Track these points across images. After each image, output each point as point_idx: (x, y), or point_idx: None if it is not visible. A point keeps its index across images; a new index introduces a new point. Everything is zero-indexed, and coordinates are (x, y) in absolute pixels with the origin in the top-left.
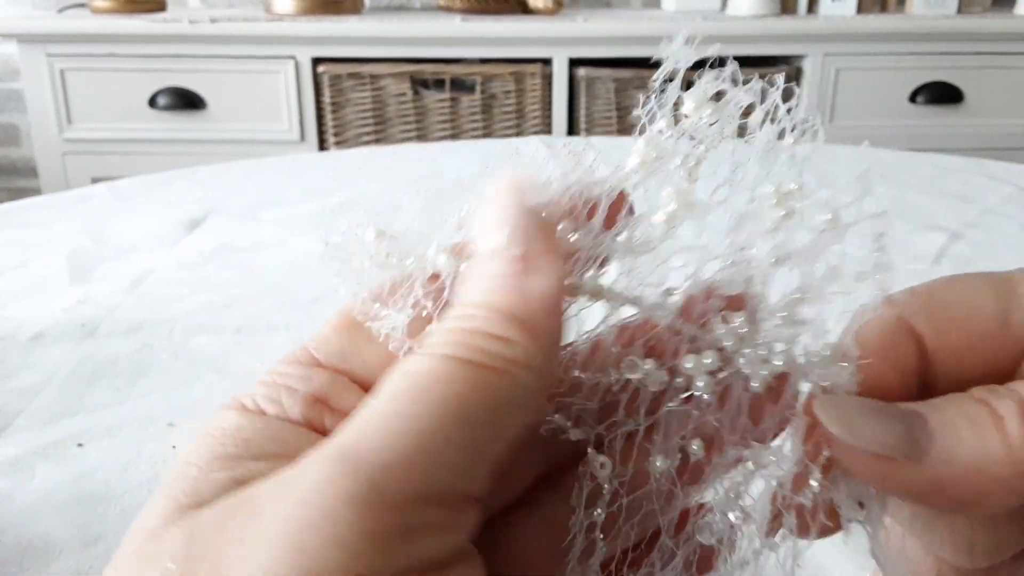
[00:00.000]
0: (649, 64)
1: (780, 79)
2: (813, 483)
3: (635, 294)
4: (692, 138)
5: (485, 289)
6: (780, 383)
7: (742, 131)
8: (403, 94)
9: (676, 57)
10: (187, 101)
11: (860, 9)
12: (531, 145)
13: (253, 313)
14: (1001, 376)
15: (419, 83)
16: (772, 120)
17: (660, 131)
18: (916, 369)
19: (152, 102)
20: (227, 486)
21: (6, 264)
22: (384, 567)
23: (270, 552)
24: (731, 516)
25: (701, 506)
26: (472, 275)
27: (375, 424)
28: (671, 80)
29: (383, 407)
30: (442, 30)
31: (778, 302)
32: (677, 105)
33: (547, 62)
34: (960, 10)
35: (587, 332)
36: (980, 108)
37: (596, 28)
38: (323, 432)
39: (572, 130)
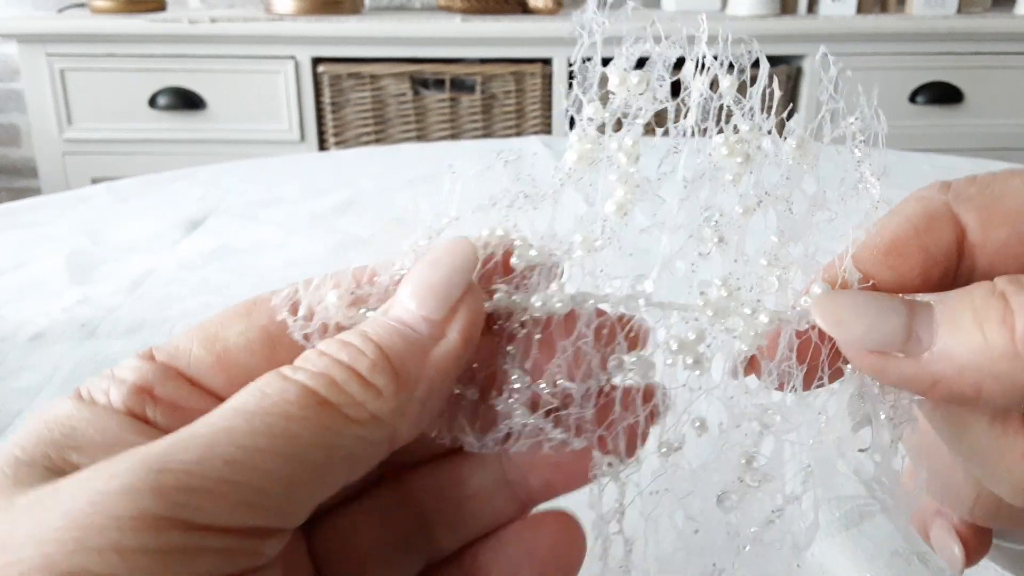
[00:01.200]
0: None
1: (703, 20)
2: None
3: (602, 295)
4: (625, 115)
5: (383, 330)
6: (773, 340)
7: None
8: (403, 94)
9: (588, 27)
10: (187, 101)
11: (860, 9)
12: (531, 145)
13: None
14: None
15: (419, 83)
16: (706, 71)
17: (590, 118)
18: (947, 261)
19: (152, 102)
20: (43, 474)
21: (6, 264)
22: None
23: (55, 545)
24: (747, 479)
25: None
26: (382, 315)
27: (200, 439)
28: (591, 54)
29: (217, 422)
30: (442, 30)
31: (759, 250)
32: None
33: (547, 62)
34: (960, 10)
35: (564, 341)
36: (980, 108)
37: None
38: (146, 421)
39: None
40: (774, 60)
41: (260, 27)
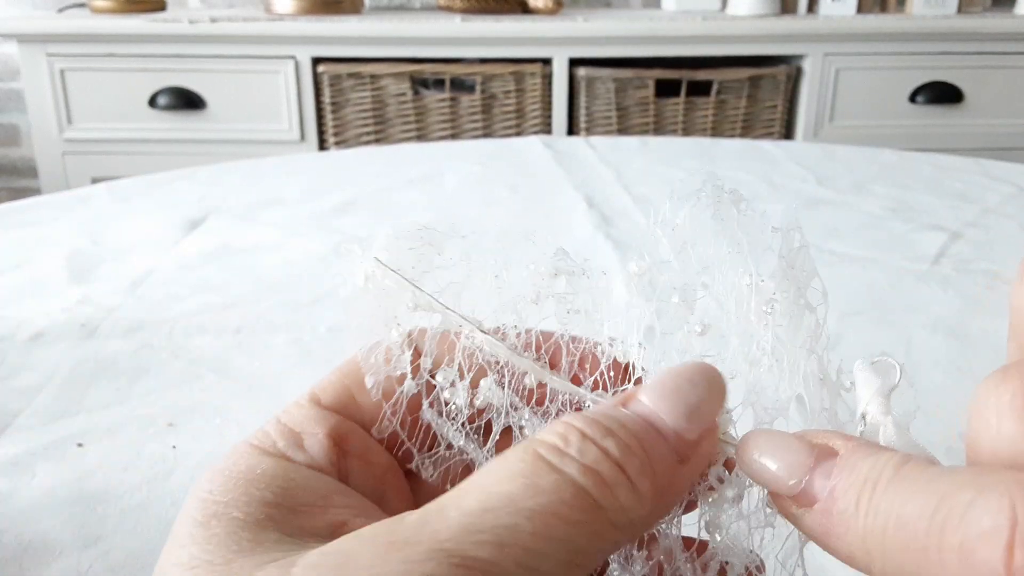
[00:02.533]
0: (649, 64)
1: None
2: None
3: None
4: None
5: (639, 429)
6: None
7: None
8: (403, 94)
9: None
10: (187, 101)
11: (860, 9)
12: (531, 145)
13: (253, 313)
14: None
15: (419, 83)
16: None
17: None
18: None
19: (152, 102)
20: (278, 540)
21: (6, 264)
22: None
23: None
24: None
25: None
26: (622, 410)
27: (491, 531)
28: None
29: (501, 514)
30: (442, 30)
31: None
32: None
33: (547, 62)
34: (960, 10)
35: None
36: (980, 108)
37: (596, 28)
38: (346, 480)
39: (572, 130)
40: (774, 60)
41: (260, 27)
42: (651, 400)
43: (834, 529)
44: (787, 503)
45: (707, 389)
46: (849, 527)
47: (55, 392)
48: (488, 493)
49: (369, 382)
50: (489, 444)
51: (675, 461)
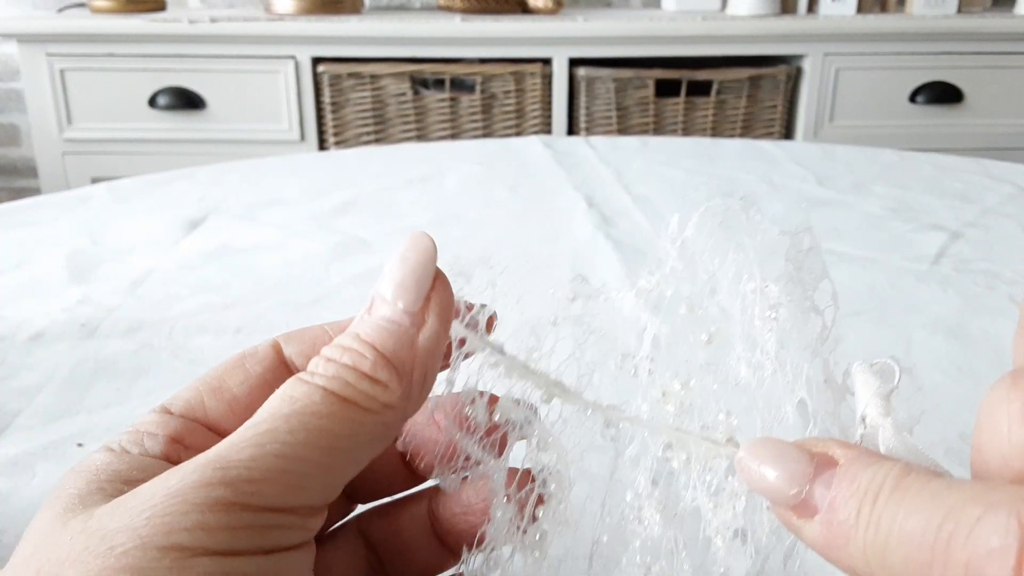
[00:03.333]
0: (649, 64)
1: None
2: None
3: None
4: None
5: (374, 330)
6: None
7: None
8: (403, 94)
9: None
10: (187, 101)
11: (860, 9)
12: (531, 145)
13: (253, 313)
14: None
15: (419, 83)
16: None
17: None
18: None
19: (152, 102)
20: (105, 500)
21: (6, 264)
22: (238, 548)
23: (149, 528)
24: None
25: None
26: (368, 315)
27: (250, 439)
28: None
29: (261, 425)
30: (442, 30)
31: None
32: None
33: (547, 62)
34: (960, 10)
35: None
36: (980, 108)
37: (596, 28)
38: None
39: (572, 130)
40: (774, 60)
41: (260, 27)
42: (383, 292)
43: (835, 541)
44: (788, 514)
45: (415, 260)
46: (850, 539)
47: (55, 392)
48: (254, 419)
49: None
50: (504, 455)
51: (411, 338)
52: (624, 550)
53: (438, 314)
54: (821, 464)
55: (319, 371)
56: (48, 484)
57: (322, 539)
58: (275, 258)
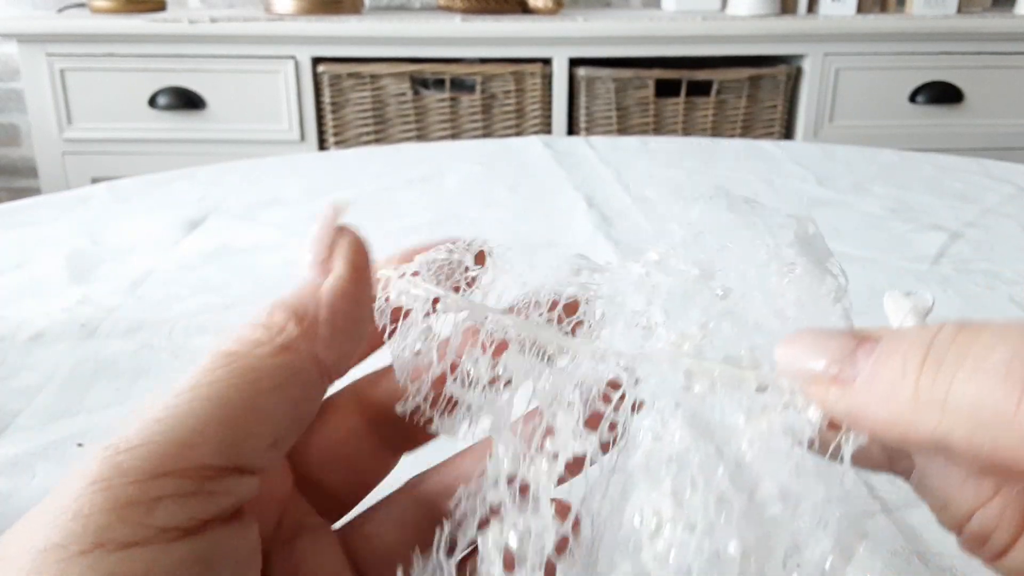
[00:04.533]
0: (649, 64)
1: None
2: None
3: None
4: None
5: (290, 296)
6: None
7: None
8: (403, 94)
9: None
10: (187, 101)
11: (860, 9)
12: (531, 145)
13: (253, 313)
14: None
15: (419, 83)
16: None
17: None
18: None
19: (152, 102)
20: None
21: (6, 264)
22: (125, 535)
23: (30, 534)
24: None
25: None
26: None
27: (136, 421)
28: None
29: (150, 406)
30: (442, 30)
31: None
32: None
33: (547, 62)
34: (960, 10)
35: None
36: (980, 108)
37: (596, 28)
38: None
39: (572, 130)
40: (774, 60)
41: (260, 27)
42: (301, 254)
43: (873, 402)
44: (823, 389)
45: (320, 221)
46: (896, 392)
47: (55, 392)
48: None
49: (398, 369)
50: (508, 395)
51: (316, 285)
52: (647, 465)
53: (344, 258)
54: (862, 340)
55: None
56: (48, 484)
57: (370, 511)
58: (275, 258)
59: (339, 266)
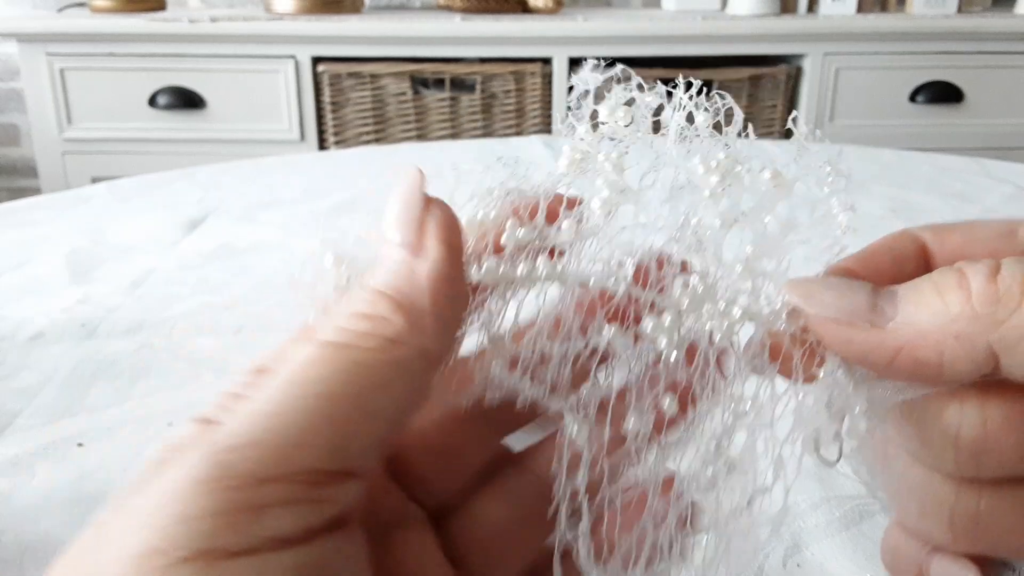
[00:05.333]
0: (649, 64)
1: (680, 82)
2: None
3: (586, 273)
4: (611, 139)
5: (374, 276)
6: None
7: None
8: (403, 93)
9: (584, 80)
10: (187, 101)
11: (860, 9)
12: (531, 144)
13: (253, 313)
14: None
15: (419, 83)
16: (684, 111)
17: (581, 137)
18: (916, 257)
19: (152, 102)
20: None
21: (6, 264)
22: (232, 543)
23: (126, 535)
24: (715, 468)
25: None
26: (373, 267)
27: (241, 413)
28: (585, 96)
29: (255, 397)
30: (442, 30)
31: (734, 259)
32: (595, 119)
33: (547, 61)
34: (960, 10)
35: (546, 310)
36: (980, 108)
37: (596, 28)
38: None
39: None
40: (774, 60)
41: (260, 27)
42: (387, 231)
43: (913, 336)
44: (851, 330)
45: (403, 194)
46: (941, 321)
47: (55, 392)
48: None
49: (492, 352)
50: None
51: (411, 268)
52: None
53: (438, 236)
54: (877, 288)
55: (320, 329)
56: (48, 484)
57: (471, 492)
58: (275, 258)
59: (434, 248)
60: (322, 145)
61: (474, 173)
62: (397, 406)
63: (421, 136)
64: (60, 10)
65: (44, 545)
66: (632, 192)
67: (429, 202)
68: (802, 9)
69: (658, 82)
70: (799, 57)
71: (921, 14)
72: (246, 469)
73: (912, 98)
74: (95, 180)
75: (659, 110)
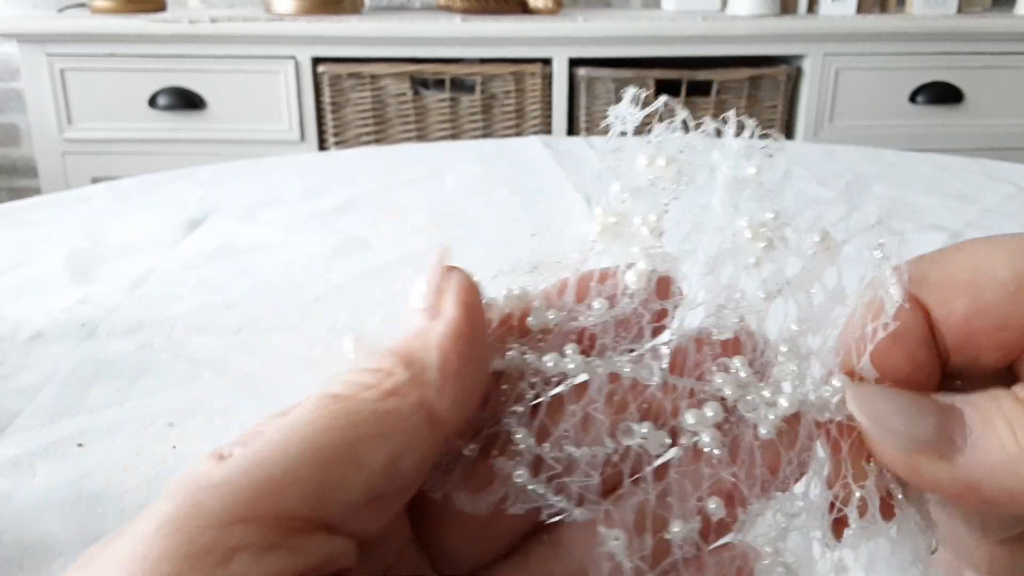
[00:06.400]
0: (649, 64)
1: (731, 115)
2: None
3: (616, 364)
4: (652, 192)
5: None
6: (792, 425)
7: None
8: (403, 94)
9: (622, 118)
10: (187, 101)
11: (860, 9)
12: (531, 145)
13: (253, 313)
14: (1017, 345)
15: (419, 83)
16: (731, 157)
17: (615, 194)
18: (926, 340)
19: (152, 102)
20: None
21: (6, 264)
22: None
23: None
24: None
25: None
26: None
27: (236, 455)
28: (623, 137)
29: (252, 442)
30: (442, 30)
31: (778, 337)
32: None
33: (547, 62)
34: (960, 10)
35: (573, 405)
36: (980, 108)
37: (596, 28)
38: None
39: (572, 130)
40: (774, 60)
41: (260, 27)
42: (411, 303)
43: (986, 471)
44: (921, 461)
45: (429, 269)
46: (1016, 458)
47: (55, 392)
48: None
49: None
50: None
51: (422, 331)
52: None
53: (455, 300)
54: (943, 409)
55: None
56: (48, 484)
57: (500, 562)
58: (275, 258)
59: (449, 308)
60: (322, 145)
61: (500, 248)
62: (389, 458)
63: (421, 137)
64: (60, 10)
65: (44, 545)
66: (671, 259)
67: (450, 270)
68: (802, 9)
69: (707, 121)
70: (799, 58)
71: (921, 14)
72: (214, 509)
73: (912, 98)
74: (95, 180)
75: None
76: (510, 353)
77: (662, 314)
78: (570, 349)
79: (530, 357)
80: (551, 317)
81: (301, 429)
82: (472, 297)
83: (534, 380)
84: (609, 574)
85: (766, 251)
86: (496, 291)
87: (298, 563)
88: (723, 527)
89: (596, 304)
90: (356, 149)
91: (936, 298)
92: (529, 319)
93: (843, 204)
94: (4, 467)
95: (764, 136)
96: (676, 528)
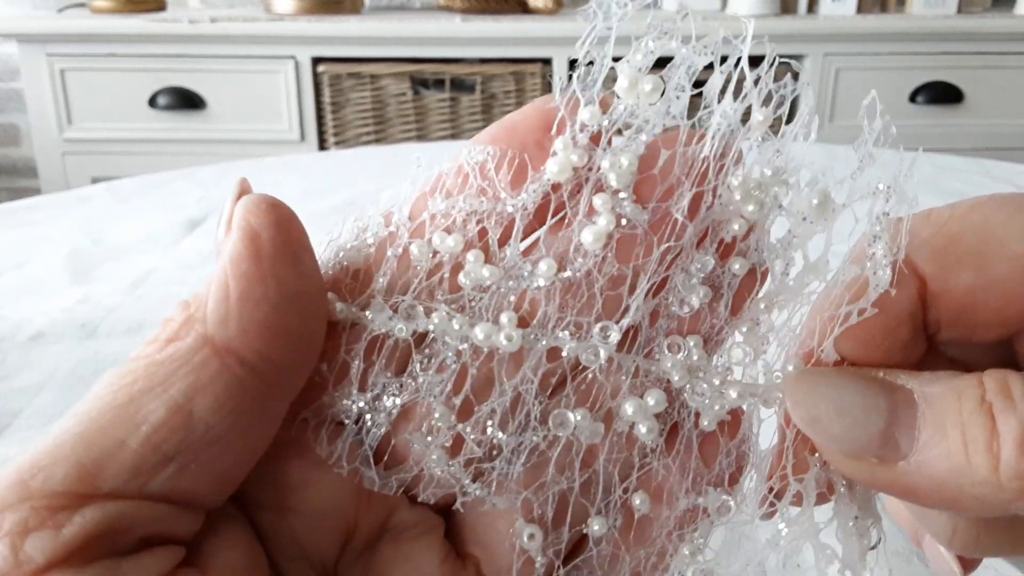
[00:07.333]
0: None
1: (749, 25)
2: (781, 527)
3: (561, 339)
4: (629, 126)
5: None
6: (736, 417)
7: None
8: (403, 94)
9: (607, 15)
10: (187, 101)
11: (860, 9)
12: None
13: None
14: (1020, 320)
15: (419, 83)
16: (735, 94)
17: (584, 124)
18: (912, 320)
19: (152, 102)
20: None
21: (6, 264)
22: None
23: None
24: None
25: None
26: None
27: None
28: (602, 50)
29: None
30: (442, 30)
31: (741, 314)
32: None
33: (547, 62)
34: (960, 10)
35: (503, 384)
36: (980, 108)
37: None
38: None
39: None
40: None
41: (260, 27)
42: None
43: (927, 480)
44: (860, 465)
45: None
46: (959, 472)
47: (55, 392)
48: None
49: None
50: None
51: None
52: None
53: (235, 224)
54: (894, 403)
55: None
56: None
57: None
58: None
59: (232, 234)
60: (322, 145)
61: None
62: (171, 408)
63: (421, 136)
64: (60, 10)
65: None
66: (640, 222)
67: (242, 194)
68: (802, 9)
69: (709, 35)
70: (799, 57)
71: (921, 14)
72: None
73: (912, 98)
74: (95, 180)
75: (698, 83)
76: (436, 315)
77: (619, 280)
78: (505, 318)
79: (457, 322)
80: (486, 275)
81: (80, 406)
82: (259, 216)
83: (462, 348)
84: (520, 569)
85: (756, 214)
86: (430, 233)
87: (67, 537)
88: (645, 526)
89: (543, 265)
90: (356, 149)
91: (937, 268)
92: (460, 276)
93: (853, 162)
94: (4, 467)
95: (784, 64)
96: (596, 526)
